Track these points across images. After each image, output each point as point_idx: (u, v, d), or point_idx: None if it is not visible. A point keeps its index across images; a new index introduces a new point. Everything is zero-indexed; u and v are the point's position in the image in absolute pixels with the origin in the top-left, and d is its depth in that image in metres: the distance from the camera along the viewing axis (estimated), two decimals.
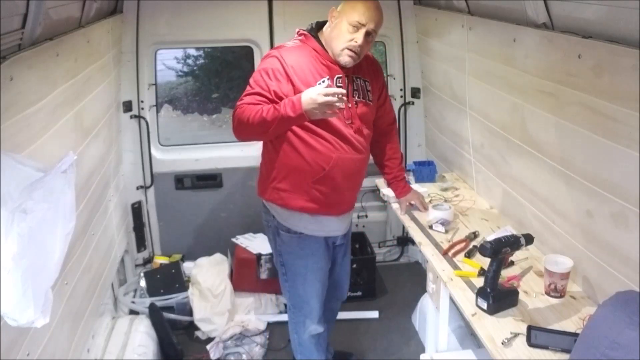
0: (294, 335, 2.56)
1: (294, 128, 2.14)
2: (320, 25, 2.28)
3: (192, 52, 6.78)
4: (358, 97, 2.26)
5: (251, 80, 2.17)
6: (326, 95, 1.96)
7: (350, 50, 2.14)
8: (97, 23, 2.72)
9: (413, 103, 3.66)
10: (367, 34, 2.13)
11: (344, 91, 2.03)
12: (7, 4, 1.61)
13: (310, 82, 2.12)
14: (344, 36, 2.13)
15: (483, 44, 2.58)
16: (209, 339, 3.09)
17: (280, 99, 2.09)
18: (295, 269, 2.39)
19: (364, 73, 2.30)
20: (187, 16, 3.36)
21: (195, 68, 7.06)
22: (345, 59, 2.15)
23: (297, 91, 2.09)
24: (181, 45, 4.63)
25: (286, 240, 2.34)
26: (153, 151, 3.53)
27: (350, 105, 2.22)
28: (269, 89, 2.11)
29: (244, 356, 2.95)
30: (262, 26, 3.43)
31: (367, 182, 3.55)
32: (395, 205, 2.77)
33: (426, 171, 3.01)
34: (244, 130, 2.13)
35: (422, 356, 2.45)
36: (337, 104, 1.99)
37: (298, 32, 2.29)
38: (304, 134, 2.16)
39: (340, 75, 2.21)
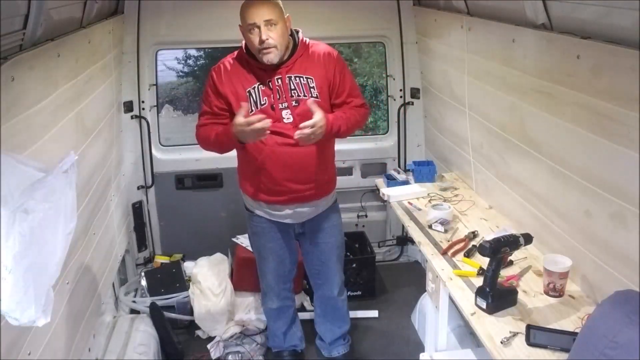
0: (263, 305, 2.86)
1: None
2: None
3: (193, 52, 6.79)
4: (298, 95, 2.33)
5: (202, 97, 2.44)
6: (241, 125, 2.14)
7: (262, 49, 2.23)
8: (98, 23, 2.73)
9: (412, 103, 3.66)
10: (268, 25, 2.20)
11: (260, 118, 2.14)
12: (9, 4, 1.62)
13: (239, 91, 2.32)
14: (251, 42, 2.24)
15: (482, 44, 2.59)
16: (210, 338, 3.10)
17: (223, 110, 2.35)
18: (253, 245, 2.69)
19: (304, 70, 2.34)
20: (188, 17, 3.36)
21: (195, 68, 7.07)
22: (265, 58, 2.25)
23: (229, 102, 2.32)
24: (182, 45, 4.64)
25: (246, 217, 2.63)
26: (154, 151, 3.53)
27: (287, 103, 2.32)
28: (211, 105, 2.37)
29: (244, 355, 2.96)
30: None
31: (367, 182, 3.60)
32: (395, 205, 2.78)
33: (425, 171, 3.02)
34: (206, 148, 2.45)
35: (421, 355, 2.46)
36: (259, 126, 2.13)
37: None
38: None
39: (269, 80, 2.31)
